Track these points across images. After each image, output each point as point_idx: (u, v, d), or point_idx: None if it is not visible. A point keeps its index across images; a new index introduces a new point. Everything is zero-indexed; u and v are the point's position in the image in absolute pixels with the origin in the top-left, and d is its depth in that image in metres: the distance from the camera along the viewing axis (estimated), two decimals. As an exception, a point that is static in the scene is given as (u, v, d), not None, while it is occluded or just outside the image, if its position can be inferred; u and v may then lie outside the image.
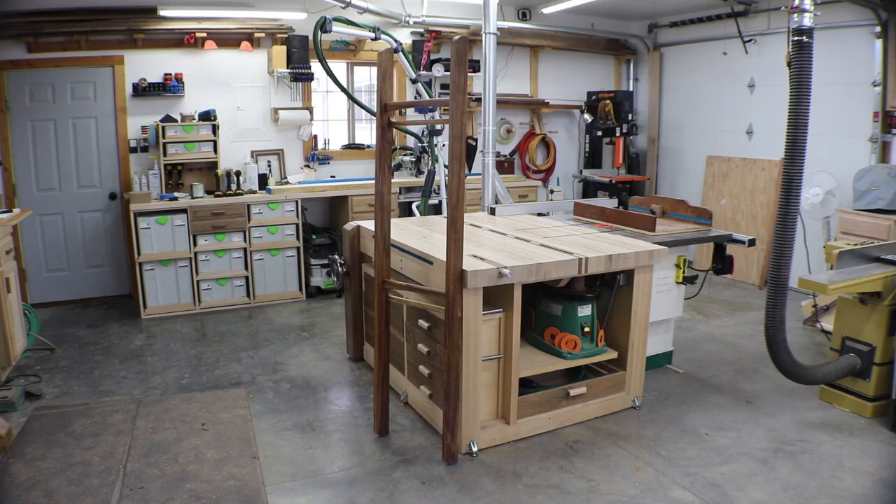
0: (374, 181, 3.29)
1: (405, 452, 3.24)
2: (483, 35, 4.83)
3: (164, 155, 5.54)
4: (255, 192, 5.85)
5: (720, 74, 6.82)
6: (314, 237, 6.04)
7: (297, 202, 5.79)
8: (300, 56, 5.84)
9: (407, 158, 6.47)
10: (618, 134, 7.15)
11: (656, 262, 3.59)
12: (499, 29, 4.91)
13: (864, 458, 3.15)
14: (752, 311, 5.51)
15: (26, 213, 4.65)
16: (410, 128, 6.27)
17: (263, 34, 5.90)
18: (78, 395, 3.93)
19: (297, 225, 5.83)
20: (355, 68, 6.67)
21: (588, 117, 7.32)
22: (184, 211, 5.41)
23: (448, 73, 6.11)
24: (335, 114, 6.86)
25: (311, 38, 5.31)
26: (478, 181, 5.33)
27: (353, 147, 6.68)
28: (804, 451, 3.22)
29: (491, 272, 3.05)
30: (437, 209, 5.90)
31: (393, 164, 5.69)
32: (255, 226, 5.67)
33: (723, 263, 4.16)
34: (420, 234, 3.89)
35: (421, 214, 5.79)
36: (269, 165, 6.19)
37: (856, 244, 3.84)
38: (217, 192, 5.68)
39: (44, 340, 4.71)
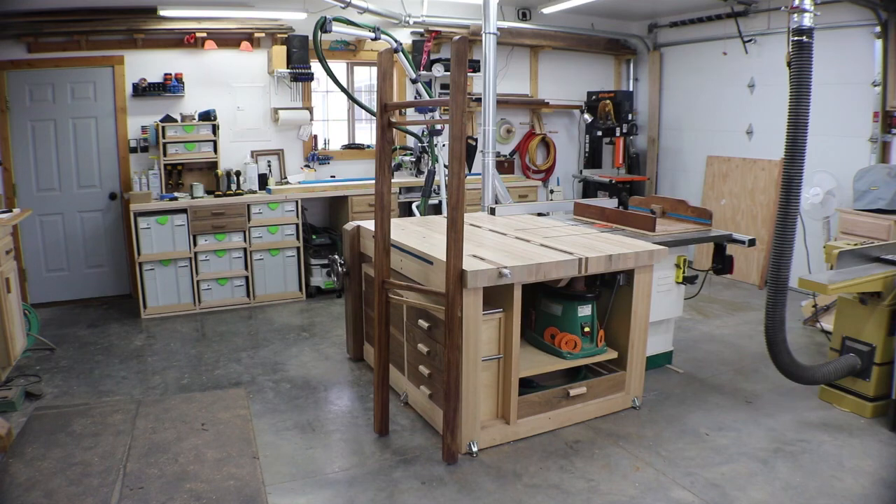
0: (374, 181, 3.29)
1: (405, 452, 3.24)
2: (483, 35, 4.83)
3: (164, 155, 5.54)
4: (255, 192, 5.85)
5: (720, 74, 6.82)
6: (314, 237, 6.04)
7: (297, 202, 5.80)
8: (300, 56, 5.84)
9: (407, 158, 6.47)
10: (618, 134, 7.15)
11: (656, 262, 3.59)
12: (499, 29, 4.91)
13: (864, 458, 3.15)
14: (752, 311, 5.51)
15: (26, 213, 4.65)
16: (410, 128, 6.27)
17: (263, 34, 5.90)
18: (78, 395, 3.93)
19: (297, 225, 5.83)
20: (355, 68, 6.67)
21: (588, 117, 7.32)
22: (184, 211, 5.41)
23: (448, 73, 6.11)
24: (335, 114, 6.85)
25: (311, 38, 5.31)
26: (478, 181, 5.33)
27: (353, 147, 6.68)
28: (804, 451, 3.22)
29: (491, 272, 3.05)
30: (437, 209, 5.90)
31: (393, 164, 5.68)
32: (255, 226, 5.67)
33: (723, 263, 4.16)
34: (420, 234, 3.89)
35: (421, 214, 5.79)
36: (269, 165, 6.19)
37: (856, 244, 3.84)
38: (217, 192, 5.68)
39: (44, 340, 4.71)
